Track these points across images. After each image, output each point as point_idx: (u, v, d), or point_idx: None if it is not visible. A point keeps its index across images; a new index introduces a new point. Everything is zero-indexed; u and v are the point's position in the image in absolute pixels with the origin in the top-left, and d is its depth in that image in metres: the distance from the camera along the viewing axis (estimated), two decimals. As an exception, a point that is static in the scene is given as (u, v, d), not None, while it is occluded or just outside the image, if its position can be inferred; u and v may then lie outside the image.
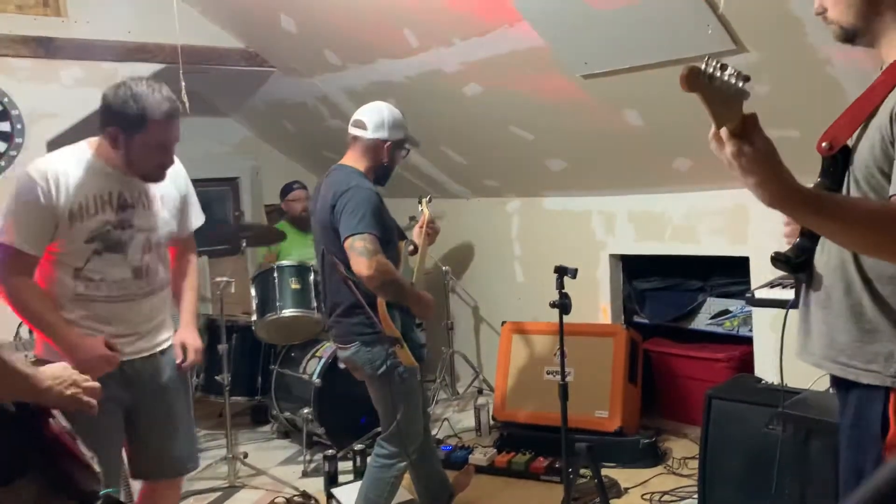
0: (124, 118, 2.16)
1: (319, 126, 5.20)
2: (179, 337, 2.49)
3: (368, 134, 2.87)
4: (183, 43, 4.14)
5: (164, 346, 2.43)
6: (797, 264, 1.64)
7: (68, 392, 1.54)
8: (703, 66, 1.34)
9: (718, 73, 1.35)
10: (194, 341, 2.50)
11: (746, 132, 1.33)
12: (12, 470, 1.40)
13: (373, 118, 2.88)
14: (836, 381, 1.63)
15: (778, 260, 1.67)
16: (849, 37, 1.53)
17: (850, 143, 1.55)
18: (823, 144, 1.52)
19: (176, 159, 2.35)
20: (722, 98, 1.36)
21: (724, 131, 1.35)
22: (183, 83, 3.83)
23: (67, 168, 2.20)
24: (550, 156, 4.25)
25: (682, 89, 1.34)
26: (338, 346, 2.96)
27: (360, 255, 2.66)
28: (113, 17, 4.26)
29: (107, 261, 2.24)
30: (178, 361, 2.45)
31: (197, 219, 2.63)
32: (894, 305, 1.49)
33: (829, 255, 1.59)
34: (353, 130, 2.93)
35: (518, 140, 4.19)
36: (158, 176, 2.29)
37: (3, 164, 3.98)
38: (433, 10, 3.54)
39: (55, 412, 1.56)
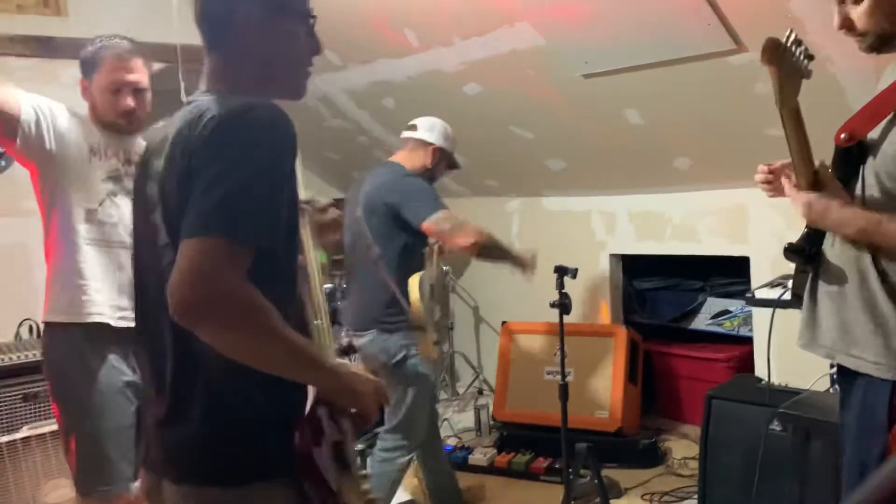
0: (83, 63, 2.21)
1: (319, 126, 5.19)
2: None
3: (417, 135, 3.05)
4: (183, 42, 4.14)
5: None
6: (811, 255, 1.64)
7: (367, 400, 1.34)
8: (784, 40, 1.36)
9: (794, 49, 1.37)
10: None
11: (820, 185, 1.51)
12: (255, 472, 1.25)
13: (425, 123, 3.08)
14: (843, 372, 1.64)
15: (792, 251, 1.66)
16: (883, 44, 1.54)
17: (872, 136, 1.55)
18: (843, 136, 1.53)
19: None
20: (790, 74, 1.39)
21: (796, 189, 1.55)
22: (182, 83, 3.82)
23: (75, 114, 2.22)
24: (550, 156, 4.25)
25: (762, 61, 1.39)
26: (352, 334, 2.99)
27: (455, 228, 2.77)
28: (113, 17, 4.25)
29: (119, 205, 2.19)
30: None
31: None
32: None
33: (841, 247, 1.59)
34: (405, 133, 3.11)
35: (518, 140, 4.19)
36: (125, 124, 2.23)
37: (3, 163, 3.98)
38: (433, 10, 3.54)
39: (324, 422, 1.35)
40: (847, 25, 1.54)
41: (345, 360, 1.42)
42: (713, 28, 2.82)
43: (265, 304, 1.14)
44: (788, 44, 1.37)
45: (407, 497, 3.25)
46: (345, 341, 4.06)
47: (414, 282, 2.83)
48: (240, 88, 1.34)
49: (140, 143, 2.18)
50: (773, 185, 1.76)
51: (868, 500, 0.63)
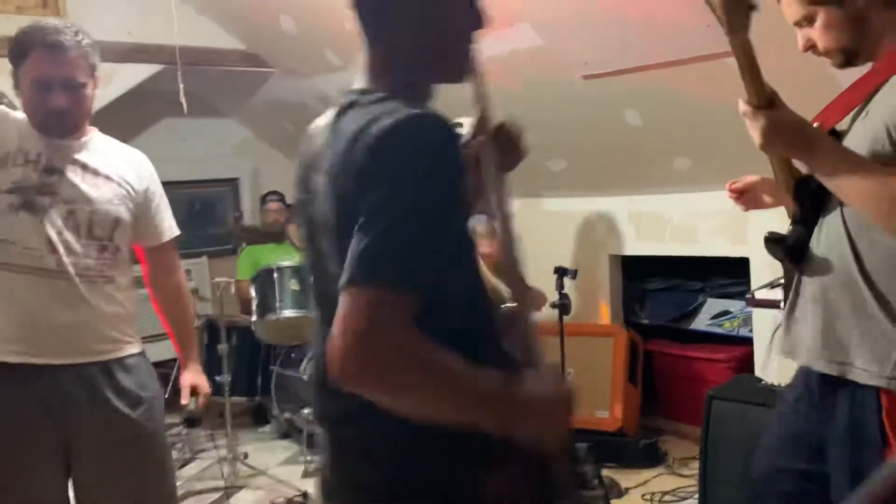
0: (11, 53, 1.90)
1: (319, 126, 5.20)
2: (188, 379, 2.20)
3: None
4: (183, 44, 4.14)
5: (112, 355, 1.97)
6: (790, 247, 1.60)
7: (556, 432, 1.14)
8: None
9: None
10: (204, 384, 2.23)
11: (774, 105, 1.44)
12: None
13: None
14: (825, 381, 1.58)
15: (771, 241, 1.63)
16: (850, 59, 1.55)
17: (840, 127, 1.56)
18: (815, 125, 1.53)
19: (142, 155, 2.10)
20: (737, 4, 1.41)
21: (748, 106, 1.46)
22: (181, 84, 3.83)
23: (8, 118, 1.95)
24: (550, 156, 4.24)
25: None
26: None
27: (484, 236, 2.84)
28: (113, 18, 4.25)
29: (22, 221, 1.86)
30: (183, 403, 2.18)
31: (171, 227, 2.18)
32: (893, 301, 1.47)
33: (827, 247, 1.55)
34: None
35: (518, 140, 4.19)
36: (52, 126, 1.90)
37: None
38: (433, 11, 3.54)
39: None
40: (810, 46, 1.56)
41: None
42: (713, 28, 2.81)
43: (438, 356, 1.01)
44: None
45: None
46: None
47: None
48: (404, 80, 1.20)
49: (76, 149, 1.95)
50: (744, 199, 1.78)
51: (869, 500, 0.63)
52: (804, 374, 1.67)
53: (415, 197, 1.02)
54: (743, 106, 1.48)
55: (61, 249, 1.87)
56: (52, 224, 1.88)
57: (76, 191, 1.92)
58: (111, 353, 1.96)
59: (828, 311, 1.55)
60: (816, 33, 1.54)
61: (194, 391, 2.20)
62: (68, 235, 1.89)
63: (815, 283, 1.57)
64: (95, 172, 1.96)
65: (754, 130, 1.46)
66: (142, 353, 2.05)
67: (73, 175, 1.93)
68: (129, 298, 2.03)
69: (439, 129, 1.09)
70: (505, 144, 1.57)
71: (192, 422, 2.23)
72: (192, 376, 2.21)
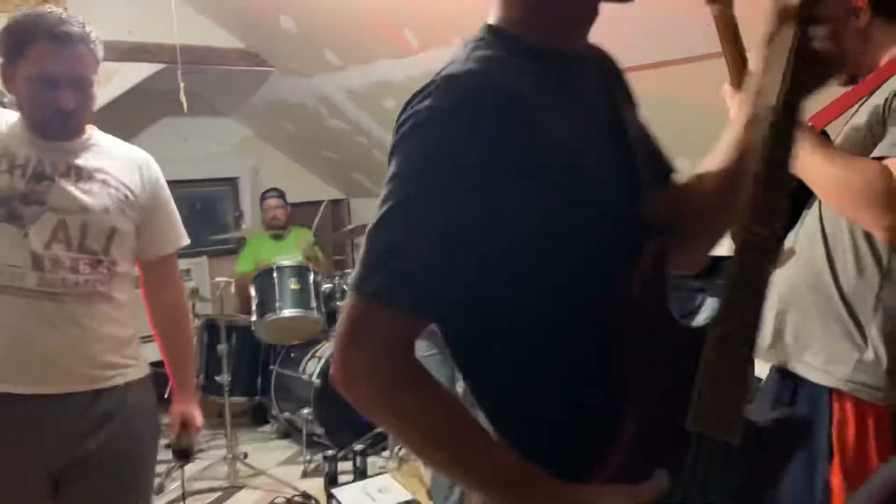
0: (7, 44, 1.67)
1: (319, 126, 5.19)
2: (179, 410, 1.98)
3: None
4: (183, 43, 4.14)
5: (107, 383, 1.77)
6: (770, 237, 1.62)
7: None
8: None
9: None
10: (198, 418, 2.01)
11: None
12: None
13: None
14: (785, 375, 1.60)
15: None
16: (854, 78, 1.57)
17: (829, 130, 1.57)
18: (809, 125, 1.54)
19: (148, 156, 1.90)
20: None
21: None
22: (182, 83, 3.82)
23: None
24: (550, 156, 4.25)
25: None
26: None
27: None
28: (113, 17, 4.25)
29: (3, 235, 1.67)
30: (174, 436, 1.97)
31: (178, 238, 1.97)
32: (858, 305, 1.47)
33: (801, 245, 1.57)
34: None
35: (518, 140, 4.19)
36: (56, 127, 1.71)
37: None
38: (433, 11, 3.54)
39: None
40: None
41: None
42: (713, 28, 2.82)
43: (415, 389, 0.85)
44: None
45: (407, 497, 3.25)
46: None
47: None
48: (516, 10, 1.00)
49: (71, 152, 1.75)
50: None
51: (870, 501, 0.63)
52: (772, 371, 1.69)
53: (420, 195, 0.84)
54: (726, 87, 1.50)
55: (47, 265, 1.68)
56: (38, 237, 1.68)
57: (68, 199, 1.72)
58: (106, 381, 1.75)
59: (795, 309, 1.55)
60: None
61: (185, 425, 1.98)
62: (57, 249, 1.69)
63: (784, 280, 1.58)
64: (90, 177, 1.76)
65: (733, 112, 1.47)
66: (144, 379, 1.86)
67: (66, 181, 1.72)
68: (129, 316, 1.83)
69: (475, 100, 0.84)
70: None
71: (183, 456, 2.00)
72: (185, 408, 1.98)
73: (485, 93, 0.84)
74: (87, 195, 1.74)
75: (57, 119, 1.69)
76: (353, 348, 0.86)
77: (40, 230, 1.68)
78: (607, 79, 1.07)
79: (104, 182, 1.77)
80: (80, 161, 1.75)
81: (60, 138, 1.73)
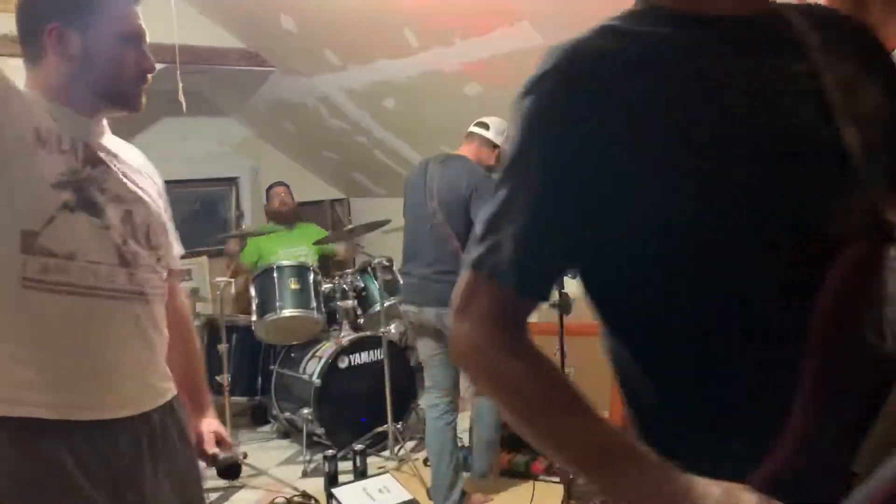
0: (67, 2, 1.40)
1: (319, 126, 5.19)
2: (209, 426, 1.67)
3: (488, 134, 3.25)
4: (183, 43, 4.13)
5: (172, 392, 1.55)
6: None
7: None
8: None
9: None
10: (225, 431, 1.71)
11: None
12: None
13: (498, 125, 3.27)
14: None
15: None
16: None
17: None
18: None
19: (148, 161, 1.63)
20: None
21: None
22: (181, 83, 3.82)
23: (21, 92, 1.46)
24: (550, 156, 4.25)
25: None
26: (433, 308, 3.10)
27: None
28: (113, 17, 4.25)
29: (81, 225, 1.36)
30: (211, 453, 1.64)
31: (178, 253, 1.67)
32: None
33: None
34: (474, 128, 3.30)
35: (518, 140, 4.19)
36: (134, 96, 1.49)
37: None
38: (433, 10, 3.54)
39: None
40: None
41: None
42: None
43: (505, 362, 0.87)
44: None
45: (407, 497, 3.25)
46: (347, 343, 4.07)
47: None
48: None
49: (104, 136, 1.48)
50: None
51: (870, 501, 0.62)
52: None
53: (517, 171, 0.88)
54: None
55: (132, 262, 1.42)
56: (115, 229, 1.41)
57: (124, 187, 1.45)
58: (168, 395, 1.53)
59: None
60: None
61: (219, 440, 1.68)
62: (132, 244, 1.44)
63: None
64: (128, 165, 1.51)
65: None
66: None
67: (117, 166, 1.46)
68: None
69: (560, 68, 0.85)
70: None
71: (235, 471, 1.71)
72: (213, 422, 1.70)
73: (571, 62, 0.85)
74: (136, 185, 1.49)
75: (142, 84, 1.49)
76: (463, 321, 0.90)
77: (115, 222, 1.42)
78: (807, 46, 0.87)
79: (139, 172, 1.54)
80: (113, 147, 1.50)
81: (133, 108, 1.49)
